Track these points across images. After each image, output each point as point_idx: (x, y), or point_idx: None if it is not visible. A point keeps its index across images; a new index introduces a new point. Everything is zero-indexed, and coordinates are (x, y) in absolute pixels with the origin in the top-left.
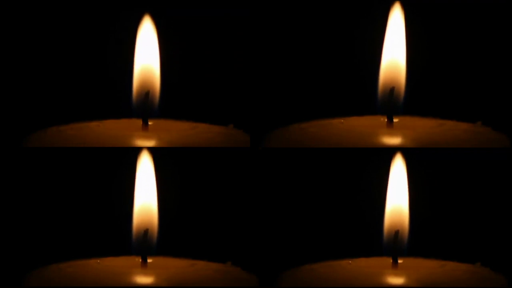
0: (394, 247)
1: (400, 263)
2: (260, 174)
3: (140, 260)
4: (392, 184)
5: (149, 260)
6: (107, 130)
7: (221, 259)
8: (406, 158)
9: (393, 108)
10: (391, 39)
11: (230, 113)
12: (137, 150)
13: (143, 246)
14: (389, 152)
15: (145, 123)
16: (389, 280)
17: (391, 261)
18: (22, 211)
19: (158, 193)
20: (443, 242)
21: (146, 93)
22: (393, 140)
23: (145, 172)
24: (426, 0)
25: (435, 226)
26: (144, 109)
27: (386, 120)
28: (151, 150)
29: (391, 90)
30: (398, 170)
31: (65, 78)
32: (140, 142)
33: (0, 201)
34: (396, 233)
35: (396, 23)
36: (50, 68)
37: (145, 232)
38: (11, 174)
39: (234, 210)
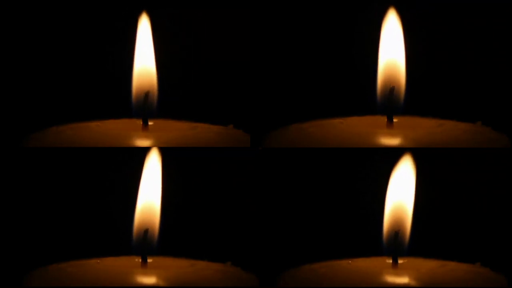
0: (394, 247)
1: (400, 263)
2: (260, 174)
3: (140, 260)
4: (397, 183)
5: (149, 260)
6: (107, 130)
7: (221, 259)
8: (399, 158)
9: (393, 108)
10: (388, 39)
11: (230, 113)
12: (137, 150)
13: (143, 246)
14: (389, 152)
15: (145, 123)
16: (389, 280)
17: (391, 261)
18: (22, 211)
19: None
20: (444, 242)
21: (145, 94)
22: (393, 140)
23: (148, 172)
24: (427, 1)
25: (435, 226)
26: (144, 109)
27: (386, 120)
28: (150, 150)
29: (391, 90)
30: (405, 170)
31: (64, 78)
32: (140, 142)
33: (0, 201)
34: (396, 233)
35: (391, 25)
36: (50, 68)
37: (145, 232)
38: (11, 174)
39: (234, 210)
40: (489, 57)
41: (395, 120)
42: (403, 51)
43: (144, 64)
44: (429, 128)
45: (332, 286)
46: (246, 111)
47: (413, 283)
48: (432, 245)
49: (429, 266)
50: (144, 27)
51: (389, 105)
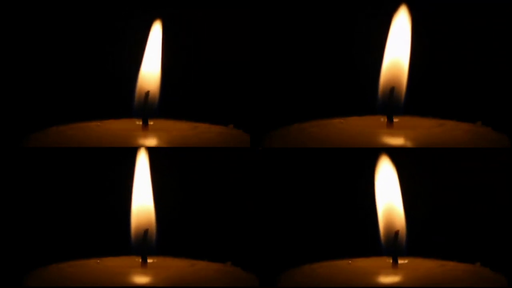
0: (394, 248)
1: (400, 263)
2: (260, 174)
3: (140, 260)
4: (382, 184)
5: (149, 260)
6: (107, 130)
7: (221, 259)
8: (399, 158)
9: (393, 108)
10: (395, 39)
11: (230, 113)
12: (137, 150)
13: (143, 246)
14: (389, 152)
15: (145, 123)
16: (389, 280)
17: (391, 261)
18: (22, 211)
19: (158, 193)
20: (443, 241)
21: (146, 93)
22: (393, 140)
23: (144, 172)
24: (427, 1)
25: (435, 226)
26: (144, 109)
27: (386, 120)
28: (151, 150)
29: (391, 90)
30: (385, 171)
31: (64, 78)
32: (140, 142)
33: (0, 201)
34: (396, 234)
35: (401, 24)
36: (50, 68)
37: (145, 232)
38: (11, 174)
39: (234, 210)
40: (489, 57)
41: (395, 120)
42: (409, 52)
43: (151, 68)
44: (429, 128)
45: (332, 286)
46: (246, 111)
47: (412, 283)
48: (432, 245)
49: (428, 266)
50: (156, 33)
51: (389, 105)
